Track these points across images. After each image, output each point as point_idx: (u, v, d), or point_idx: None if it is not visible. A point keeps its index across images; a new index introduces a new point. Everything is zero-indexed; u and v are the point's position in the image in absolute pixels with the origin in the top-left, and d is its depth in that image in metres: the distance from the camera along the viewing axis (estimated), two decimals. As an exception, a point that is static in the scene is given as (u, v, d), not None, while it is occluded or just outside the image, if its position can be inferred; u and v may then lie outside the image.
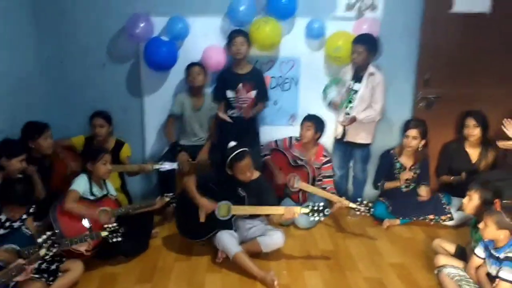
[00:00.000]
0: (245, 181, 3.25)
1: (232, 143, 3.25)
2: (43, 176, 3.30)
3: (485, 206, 2.91)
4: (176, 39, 3.86)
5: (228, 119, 3.88)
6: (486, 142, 4.00)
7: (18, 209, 2.70)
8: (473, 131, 3.95)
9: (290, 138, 4.14)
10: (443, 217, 3.84)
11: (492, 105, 4.08)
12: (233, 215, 3.27)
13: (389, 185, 4.02)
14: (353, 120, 3.78)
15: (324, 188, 3.91)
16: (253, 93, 3.93)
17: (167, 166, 3.71)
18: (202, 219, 3.26)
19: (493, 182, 3.13)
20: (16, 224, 2.71)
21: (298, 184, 3.87)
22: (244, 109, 3.87)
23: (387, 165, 4.06)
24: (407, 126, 3.95)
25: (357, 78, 3.88)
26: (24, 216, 2.77)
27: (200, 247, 3.42)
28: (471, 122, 3.95)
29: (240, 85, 3.89)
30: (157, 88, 4.07)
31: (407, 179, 3.95)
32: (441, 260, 3.03)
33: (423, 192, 3.93)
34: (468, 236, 3.20)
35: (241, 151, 3.20)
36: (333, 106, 3.86)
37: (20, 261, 2.42)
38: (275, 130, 4.21)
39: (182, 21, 3.83)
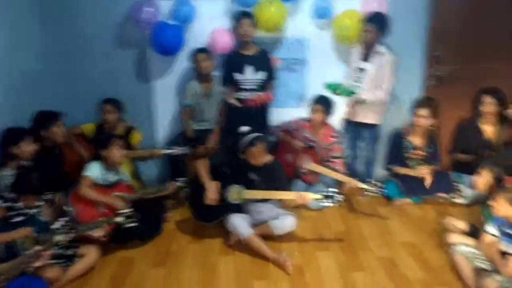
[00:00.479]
0: (257, 165, 3.25)
1: (244, 128, 3.25)
2: (55, 164, 3.34)
3: (496, 183, 2.90)
4: (183, 23, 3.83)
5: (238, 104, 3.87)
6: (501, 119, 3.96)
7: (32, 197, 2.74)
8: (489, 108, 3.88)
9: (300, 119, 4.14)
10: (454, 195, 3.83)
11: (504, 81, 4.01)
12: (245, 199, 3.30)
13: (400, 170, 3.99)
14: (361, 101, 3.75)
15: (333, 169, 3.91)
16: (260, 75, 3.90)
17: (177, 150, 3.73)
18: (207, 201, 3.26)
19: (504, 159, 3.12)
20: (32, 211, 2.76)
21: (308, 165, 3.87)
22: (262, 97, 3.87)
23: (397, 144, 4.03)
24: (417, 105, 3.92)
25: (366, 57, 3.84)
26: (40, 203, 2.81)
27: (212, 230, 3.45)
28: (487, 99, 3.88)
29: (248, 67, 3.86)
30: (166, 72, 4.07)
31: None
32: (453, 238, 3.04)
33: (424, 171, 3.89)
34: (480, 214, 3.19)
35: (253, 136, 3.20)
36: (338, 94, 3.84)
37: (37, 247, 2.47)
38: (284, 112, 4.20)
39: (188, 4, 3.80)
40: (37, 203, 2.78)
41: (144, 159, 3.94)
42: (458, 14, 4.02)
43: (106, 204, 3.17)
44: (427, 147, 3.98)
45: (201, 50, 3.82)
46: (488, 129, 3.99)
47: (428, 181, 3.87)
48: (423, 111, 3.84)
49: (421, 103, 3.89)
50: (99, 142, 3.34)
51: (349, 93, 3.75)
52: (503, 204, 2.64)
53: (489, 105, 3.88)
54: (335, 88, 3.75)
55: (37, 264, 2.45)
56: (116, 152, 3.29)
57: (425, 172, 3.88)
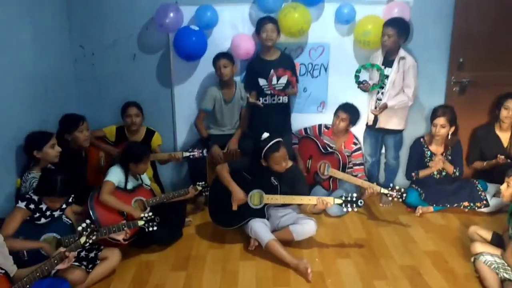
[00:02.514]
0: (280, 170, 3.24)
1: (266, 134, 3.23)
2: (79, 167, 3.37)
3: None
4: (205, 28, 3.86)
5: (259, 104, 3.87)
6: None
7: (57, 199, 2.76)
8: None
9: (320, 125, 4.13)
10: (478, 204, 3.77)
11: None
12: (266, 204, 3.29)
13: (422, 173, 3.95)
14: (385, 107, 3.72)
15: (355, 176, 3.89)
16: (284, 79, 3.89)
17: (196, 153, 3.75)
18: (234, 207, 3.28)
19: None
20: (56, 213, 2.79)
21: (329, 171, 3.86)
22: (290, 91, 3.87)
23: (418, 153, 3.99)
24: (434, 114, 3.86)
25: (388, 62, 3.81)
26: (64, 206, 2.84)
27: (233, 235, 3.45)
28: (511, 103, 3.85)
29: (272, 71, 3.85)
30: (187, 77, 4.09)
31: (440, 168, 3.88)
32: (478, 247, 2.97)
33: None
34: (504, 222, 3.13)
35: (276, 142, 3.18)
36: (363, 87, 3.81)
37: (62, 249, 2.49)
38: (305, 118, 4.20)
39: (210, 9, 3.82)
40: (60, 206, 2.81)
41: (164, 162, 3.96)
42: (482, 20, 3.97)
43: (127, 212, 3.19)
44: (447, 154, 3.93)
45: (222, 56, 3.82)
46: (504, 136, 3.95)
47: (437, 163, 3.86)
48: (441, 120, 3.79)
49: (437, 112, 3.83)
50: (131, 155, 3.31)
51: (371, 64, 3.80)
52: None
53: None
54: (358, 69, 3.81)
55: (61, 266, 2.47)
56: (143, 167, 3.33)
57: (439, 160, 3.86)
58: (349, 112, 3.93)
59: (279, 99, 3.92)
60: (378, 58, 3.86)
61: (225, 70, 3.80)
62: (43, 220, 2.72)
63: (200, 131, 3.99)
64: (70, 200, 2.90)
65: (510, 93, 3.90)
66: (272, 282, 2.94)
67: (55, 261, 2.44)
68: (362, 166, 4.04)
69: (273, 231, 3.29)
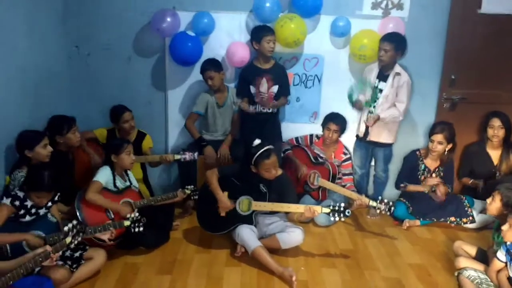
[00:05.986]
0: (269, 178, 3.25)
1: (257, 141, 3.23)
2: (67, 168, 3.36)
3: (507, 208, 2.87)
4: (202, 35, 3.88)
5: (251, 110, 3.88)
6: (508, 144, 3.95)
7: (45, 195, 2.74)
8: (498, 132, 3.91)
9: (311, 135, 4.16)
10: (464, 220, 3.80)
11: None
12: (254, 211, 3.30)
13: (412, 188, 3.95)
14: (377, 119, 3.76)
15: (344, 186, 3.91)
16: (274, 88, 3.92)
17: (187, 156, 3.75)
18: (222, 213, 3.29)
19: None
20: (41, 211, 2.77)
21: (319, 181, 3.88)
22: (264, 102, 3.87)
23: (411, 165, 4.01)
24: (432, 130, 3.88)
25: (383, 77, 3.85)
26: (50, 204, 2.83)
27: (219, 240, 3.45)
28: (496, 122, 3.91)
29: (263, 79, 3.86)
30: (181, 82, 4.10)
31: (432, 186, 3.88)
32: (462, 262, 3.00)
33: (440, 190, 3.85)
34: (489, 239, 3.16)
35: (267, 149, 3.18)
36: (358, 105, 3.87)
37: (48, 247, 2.47)
38: (297, 127, 4.23)
39: (207, 16, 3.85)
40: (46, 203, 2.79)
41: (155, 164, 3.96)
42: (475, 39, 4.03)
43: (113, 210, 3.19)
44: (440, 170, 3.95)
45: (208, 67, 3.82)
46: (494, 154, 4.00)
47: (440, 194, 3.83)
48: (439, 137, 3.81)
49: (436, 129, 3.84)
50: (111, 148, 3.34)
51: (363, 83, 3.87)
52: (511, 229, 2.62)
53: (497, 128, 3.90)
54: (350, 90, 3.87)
55: (45, 264, 2.46)
56: (126, 158, 3.30)
57: (435, 181, 3.87)
58: (340, 123, 3.98)
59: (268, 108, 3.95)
60: (373, 71, 3.90)
61: (212, 81, 3.83)
62: (28, 218, 2.70)
63: (192, 132, 3.99)
64: (56, 198, 2.88)
65: (495, 112, 3.96)
66: (256, 288, 2.94)
67: (40, 259, 2.42)
68: (351, 176, 4.08)
69: (260, 238, 3.29)
